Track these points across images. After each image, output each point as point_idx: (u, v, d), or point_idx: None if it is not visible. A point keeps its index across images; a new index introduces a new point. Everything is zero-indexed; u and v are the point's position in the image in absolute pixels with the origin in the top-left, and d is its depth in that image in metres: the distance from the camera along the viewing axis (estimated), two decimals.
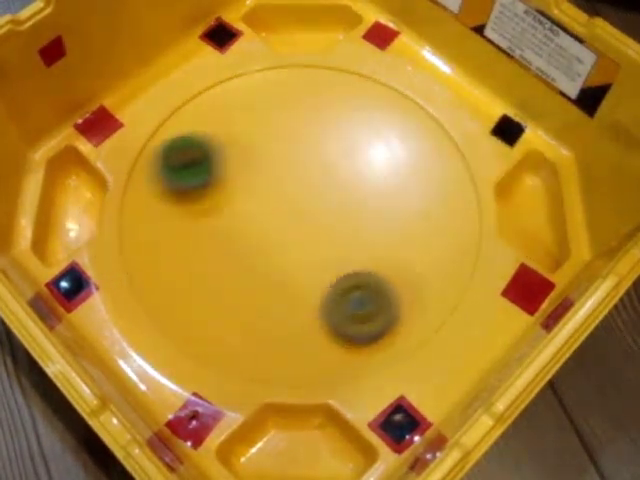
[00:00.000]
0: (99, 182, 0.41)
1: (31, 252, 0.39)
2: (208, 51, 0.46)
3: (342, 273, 0.37)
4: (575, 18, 0.38)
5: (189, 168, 0.40)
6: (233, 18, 0.47)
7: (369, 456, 0.34)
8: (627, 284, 0.32)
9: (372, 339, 0.37)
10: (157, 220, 0.41)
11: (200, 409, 0.35)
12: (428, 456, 0.30)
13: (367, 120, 0.44)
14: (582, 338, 0.31)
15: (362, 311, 0.36)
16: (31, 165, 0.41)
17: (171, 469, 0.29)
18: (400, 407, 0.35)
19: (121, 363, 0.36)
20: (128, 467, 0.28)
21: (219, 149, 0.41)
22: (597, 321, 0.31)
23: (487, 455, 0.29)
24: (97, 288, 0.38)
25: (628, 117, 0.38)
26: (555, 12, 0.38)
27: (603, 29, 0.37)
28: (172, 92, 0.44)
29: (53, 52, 0.39)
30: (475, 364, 0.36)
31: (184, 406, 0.35)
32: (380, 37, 0.46)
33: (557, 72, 0.40)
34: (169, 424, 0.34)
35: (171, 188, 0.41)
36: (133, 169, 0.41)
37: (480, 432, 0.28)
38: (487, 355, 0.36)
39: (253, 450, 0.35)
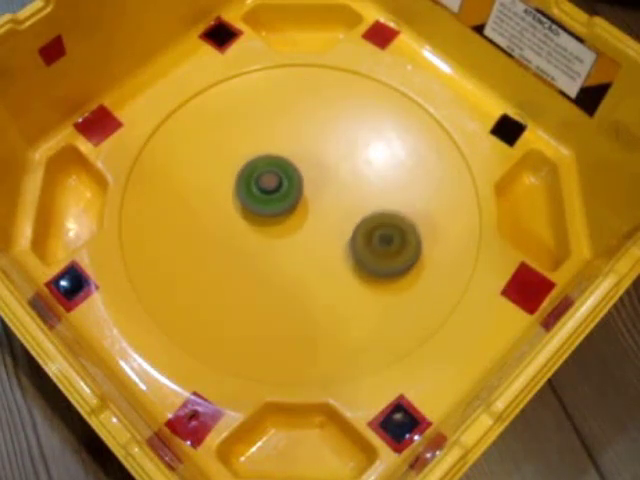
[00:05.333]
0: (99, 182, 0.41)
1: (31, 251, 0.39)
2: (208, 50, 0.46)
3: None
4: (575, 17, 0.38)
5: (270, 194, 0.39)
6: (233, 17, 0.47)
7: (369, 455, 0.34)
8: (627, 283, 0.32)
9: (396, 274, 0.38)
10: (157, 219, 0.41)
11: (200, 408, 0.35)
12: (428, 455, 0.30)
13: (367, 119, 0.44)
14: (582, 337, 0.31)
15: (387, 248, 0.38)
16: (31, 164, 0.41)
17: (171, 468, 0.29)
18: (400, 406, 0.35)
19: (121, 362, 0.36)
20: (128, 466, 0.28)
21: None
22: (597, 320, 0.31)
23: (487, 454, 0.29)
24: (97, 287, 0.38)
25: (628, 116, 0.38)
26: (555, 11, 0.38)
27: (603, 28, 0.37)
28: (172, 91, 0.44)
29: (53, 51, 0.39)
30: (475, 363, 0.36)
31: (184, 405, 0.35)
32: (380, 36, 0.46)
33: (557, 71, 0.40)
34: (169, 423, 0.34)
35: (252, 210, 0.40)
36: (133, 169, 0.41)
37: (479, 431, 0.28)
38: (487, 354, 0.36)
39: (253, 449, 0.35)
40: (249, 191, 0.39)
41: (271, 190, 0.39)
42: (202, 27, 0.46)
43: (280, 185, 0.39)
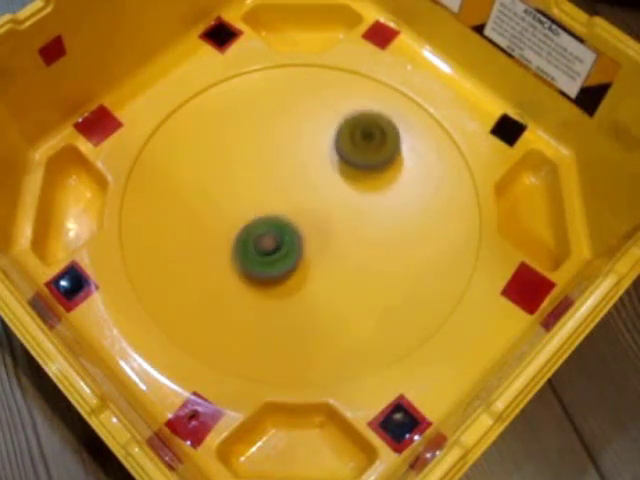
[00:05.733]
0: (99, 182, 0.41)
1: (31, 251, 0.39)
2: (208, 50, 0.46)
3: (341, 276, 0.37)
4: (575, 17, 0.38)
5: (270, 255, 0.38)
6: (233, 17, 0.47)
7: (369, 455, 0.34)
8: (627, 283, 0.32)
9: (376, 167, 0.42)
10: (157, 219, 0.41)
11: (200, 408, 0.35)
12: (428, 455, 0.30)
13: None
14: (582, 337, 0.31)
15: (369, 144, 0.41)
16: (31, 165, 0.41)
17: (171, 468, 0.29)
18: (400, 406, 0.35)
19: (121, 362, 0.36)
20: (128, 466, 0.28)
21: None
22: (597, 320, 0.31)
23: (487, 455, 0.29)
24: (97, 287, 0.38)
25: (628, 116, 0.38)
26: (555, 11, 0.38)
27: (603, 28, 0.37)
28: (172, 91, 0.44)
29: (53, 51, 0.39)
30: (475, 363, 0.36)
31: (184, 405, 0.35)
32: (380, 36, 0.46)
33: (557, 71, 0.40)
34: (169, 423, 0.34)
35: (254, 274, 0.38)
36: (133, 169, 0.41)
37: (479, 431, 0.28)
38: (487, 354, 0.36)
39: (253, 449, 0.35)
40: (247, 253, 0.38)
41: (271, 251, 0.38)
42: (202, 27, 0.47)
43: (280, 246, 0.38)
